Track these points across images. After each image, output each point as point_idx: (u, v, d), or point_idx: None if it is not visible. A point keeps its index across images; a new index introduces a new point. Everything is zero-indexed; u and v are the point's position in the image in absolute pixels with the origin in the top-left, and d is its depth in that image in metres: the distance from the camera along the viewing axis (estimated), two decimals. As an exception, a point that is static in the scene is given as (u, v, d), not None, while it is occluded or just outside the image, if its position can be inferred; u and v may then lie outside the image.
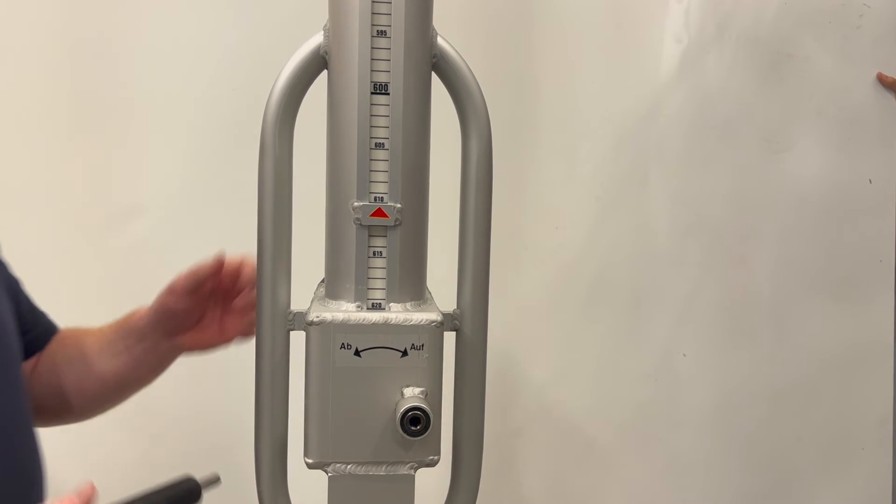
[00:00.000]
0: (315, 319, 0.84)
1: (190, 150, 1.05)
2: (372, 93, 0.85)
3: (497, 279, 0.97)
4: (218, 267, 1.07)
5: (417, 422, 0.83)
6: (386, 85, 0.85)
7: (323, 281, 0.93)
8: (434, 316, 0.86)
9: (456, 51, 0.90)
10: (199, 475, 0.98)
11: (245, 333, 1.14)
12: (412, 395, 0.85)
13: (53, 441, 1.11)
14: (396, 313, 0.86)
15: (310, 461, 0.87)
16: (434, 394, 0.86)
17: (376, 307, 0.88)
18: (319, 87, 0.90)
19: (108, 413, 1.19)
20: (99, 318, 1.17)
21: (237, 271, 1.09)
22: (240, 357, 1.13)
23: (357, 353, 0.85)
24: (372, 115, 0.85)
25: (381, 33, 0.84)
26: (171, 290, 1.07)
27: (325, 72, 0.88)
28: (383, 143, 0.86)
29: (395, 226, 0.87)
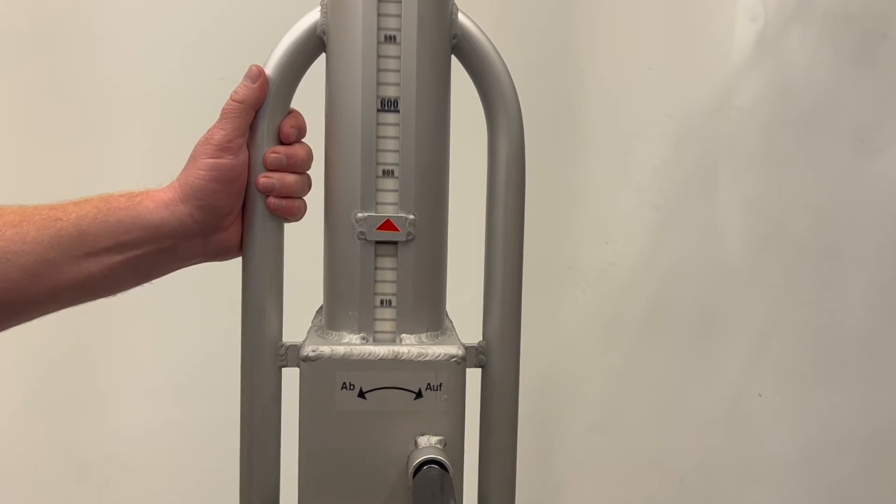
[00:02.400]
0: (311, 354, 0.83)
1: (167, 149, 1.05)
2: (379, 83, 0.84)
3: (533, 305, 0.97)
4: (264, 86, 0.89)
5: (434, 478, 0.82)
6: (396, 75, 0.84)
7: (321, 308, 0.92)
8: (455, 349, 0.85)
9: (480, 29, 0.89)
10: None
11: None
12: (428, 446, 0.84)
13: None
14: (409, 346, 0.85)
15: (305, 524, 0.86)
16: (455, 443, 0.85)
17: (385, 339, 0.87)
18: (317, 74, 0.89)
19: (70, 462, 1.17)
20: (67, 331, 1.15)
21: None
22: (222, 398, 1.12)
23: (361, 394, 0.84)
24: (379, 110, 0.84)
25: (390, 9, 0.83)
26: (223, 146, 0.88)
27: (322, 55, 0.88)
28: (393, 141, 0.85)
29: (407, 241, 0.86)
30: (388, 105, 0.84)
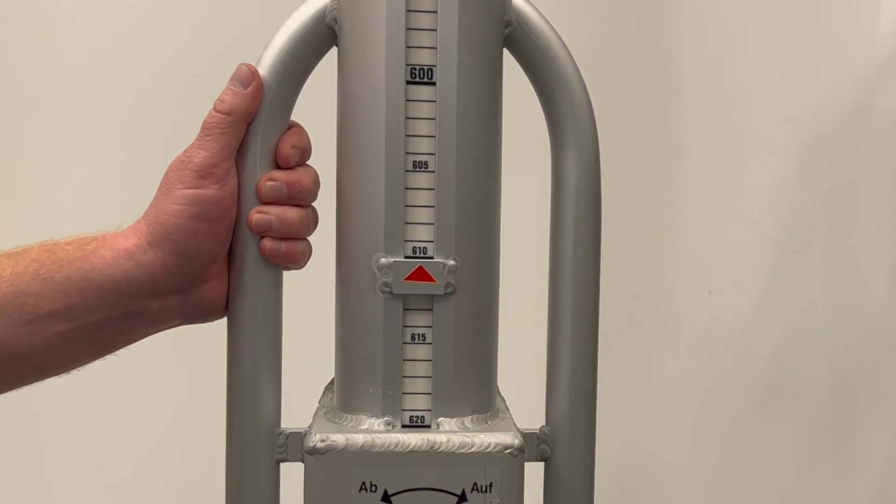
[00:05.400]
0: (319, 445, 0.83)
1: (133, 162, 1.05)
2: (408, 82, 0.84)
3: (611, 375, 0.95)
4: (258, 91, 0.89)
5: None
6: (431, 70, 0.84)
7: (331, 384, 0.92)
8: (509, 438, 0.85)
9: (541, 15, 0.89)
10: None
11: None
12: (475, 566, 0.84)
13: None
14: (449, 435, 0.85)
15: None
16: (511, 562, 0.85)
17: (417, 425, 0.87)
18: (326, 73, 0.89)
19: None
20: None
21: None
22: (201, 501, 1.12)
23: (386, 497, 0.83)
24: (408, 118, 0.84)
25: None
26: (205, 172, 0.87)
27: (333, 49, 0.88)
28: (426, 163, 0.85)
29: (446, 294, 0.86)
30: (421, 98, 0.85)
